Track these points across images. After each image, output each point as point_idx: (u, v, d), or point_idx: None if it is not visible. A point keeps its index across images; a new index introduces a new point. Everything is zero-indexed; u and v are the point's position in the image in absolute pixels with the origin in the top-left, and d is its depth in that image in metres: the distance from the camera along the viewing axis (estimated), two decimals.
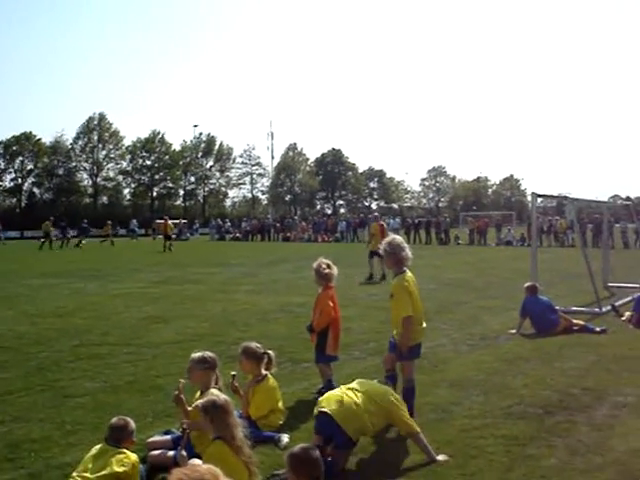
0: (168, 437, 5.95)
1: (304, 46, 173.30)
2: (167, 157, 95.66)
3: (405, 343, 6.64)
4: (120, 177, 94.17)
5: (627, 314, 12.93)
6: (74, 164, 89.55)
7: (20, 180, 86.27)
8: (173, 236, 43.18)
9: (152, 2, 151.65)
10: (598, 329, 11.67)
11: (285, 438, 6.11)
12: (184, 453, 5.12)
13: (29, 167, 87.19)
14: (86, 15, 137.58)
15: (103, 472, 4.72)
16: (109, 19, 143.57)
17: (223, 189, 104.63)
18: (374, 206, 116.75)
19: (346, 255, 32.34)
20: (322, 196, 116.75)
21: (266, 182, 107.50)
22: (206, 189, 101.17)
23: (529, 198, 19.22)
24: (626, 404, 7.30)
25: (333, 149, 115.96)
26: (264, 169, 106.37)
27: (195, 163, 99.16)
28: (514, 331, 11.63)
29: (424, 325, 6.95)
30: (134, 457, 4.92)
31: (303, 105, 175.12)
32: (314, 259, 7.76)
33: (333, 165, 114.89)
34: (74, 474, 4.81)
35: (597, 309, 13.76)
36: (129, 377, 8.68)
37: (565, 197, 19.89)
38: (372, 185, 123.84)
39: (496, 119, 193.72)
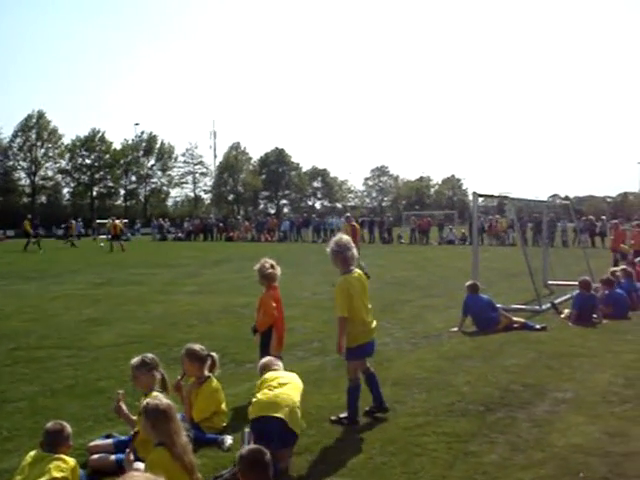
0: (109, 441, 5.86)
1: (246, 45, 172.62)
2: (107, 156, 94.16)
3: (339, 343, 6.69)
4: (59, 176, 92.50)
5: (566, 311, 13.20)
6: (11, 163, 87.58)
7: None
8: (109, 236, 42.52)
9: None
10: (538, 326, 11.88)
11: (229, 440, 6.08)
12: (132, 457, 5.05)
13: None
14: (25, 12, 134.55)
15: (42, 479, 4.60)
16: (48, 16, 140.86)
17: (165, 188, 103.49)
18: (318, 205, 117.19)
19: (290, 255, 32.34)
20: (265, 195, 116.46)
21: (209, 181, 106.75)
22: (147, 188, 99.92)
23: (470, 198, 19.46)
24: (565, 400, 7.44)
25: (276, 148, 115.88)
26: (207, 168, 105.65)
27: (136, 162, 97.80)
28: (456, 329, 11.77)
29: (373, 326, 6.98)
30: (72, 462, 4.81)
31: (246, 104, 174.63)
32: (257, 259, 7.71)
33: (276, 164, 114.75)
34: None
35: (537, 307, 14.01)
36: (69, 381, 8.51)
37: (505, 197, 20.21)
38: (316, 184, 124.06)
39: (438, 119, 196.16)
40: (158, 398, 4.89)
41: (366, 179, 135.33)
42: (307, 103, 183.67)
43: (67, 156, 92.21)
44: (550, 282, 18.39)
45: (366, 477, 5.38)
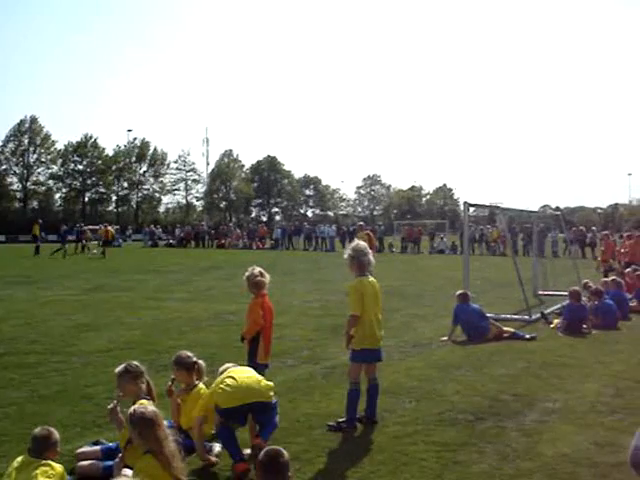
0: (97, 448, 5.84)
1: (239, 52, 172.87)
2: (99, 162, 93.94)
3: (347, 340, 6.91)
4: (51, 182, 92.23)
5: (556, 321, 13.24)
6: (4, 167, 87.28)
7: None
8: (94, 242, 42.46)
9: (85, 4, 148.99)
10: (528, 336, 11.91)
11: (217, 447, 6.06)
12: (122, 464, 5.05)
13: None
14: (17, 16, 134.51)
15: None
16: (41, 20, 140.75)
17: (157, 195, 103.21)
18: (310, 214, 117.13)
19: (281, 262, 32.32)
20: (257, 203, 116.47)
21: (201, 188, 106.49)
22: (139, 195, 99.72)
23: (462, 207, 19.52)
24: (555, 410, 7.45)
25: (269, 156, 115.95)
26: (199, 175, 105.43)
27: (128, 168, 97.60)
28: (446, 338, 11.77)
29: (381, 334, 7.15)
30: (60, 468, 4.79)
31: (239, 111, 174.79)
32: (248, 267, 7.71)
33: (269, 172, 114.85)
34: None
35: (527, 317, 14.03)
36: (58, 386, 8.47)
37: (497, 207, 20.30)
38: (308, 192, 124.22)
39: (430, 129, 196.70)
40: (143, 406, 4.86)
41: (358, 188, 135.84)
42: (300, 111, 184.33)
43: (59, 161, 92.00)
44: (540, 292, 18.44)
45: None
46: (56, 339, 11.76)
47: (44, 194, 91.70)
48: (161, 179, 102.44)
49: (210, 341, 11.49)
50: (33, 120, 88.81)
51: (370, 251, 7.27)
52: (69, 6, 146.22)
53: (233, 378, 5.86)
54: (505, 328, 12.16)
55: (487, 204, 22.47)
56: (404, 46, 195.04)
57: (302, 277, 24.15)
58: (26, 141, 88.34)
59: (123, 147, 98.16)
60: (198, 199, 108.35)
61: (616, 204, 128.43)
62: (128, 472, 4.85)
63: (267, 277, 7.58)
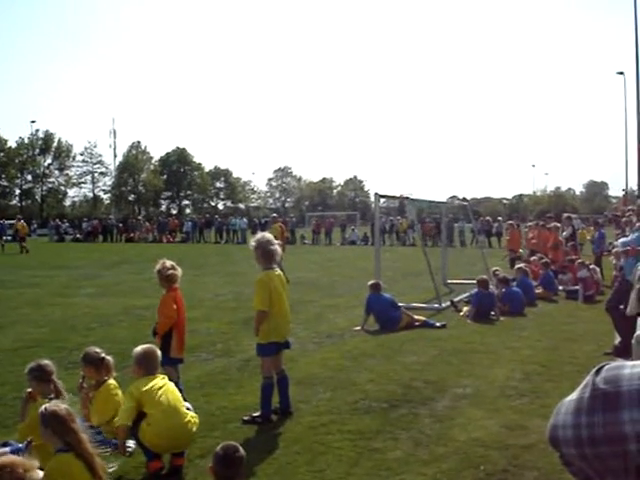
0: (6, 449, 5.61)
1: (145, 40, 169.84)
2: (1, 154, 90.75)
3: (257, 335, 6.88)
4: None
5: (465, 309, 13.53)
6: None
7: None
8: (18, 237, 40.54)
9: None
10: (438, 324, 12.13)
11: (131, 444, 5.92)
12: None
13: None
14: None
15: None
16: None
17: (62, 188, 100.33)
18: (221, 206, 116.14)
19: (192, 256, 31.97)
20: (167, 196, 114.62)
21: (108, 181, 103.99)
22: (44, 188, 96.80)
23: (372, 199, 19.70)
24: (465, 395, 7.62)
25: (178, 148, 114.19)
26: (106, 168, 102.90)
27: (32, 161, 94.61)
28: (359, 328, 11.88)
29: (289, 326, 7.22)
30: None
31: (147, 102, 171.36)
32: (159, 260, 7.56)
33: (178, 164, 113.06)
34: None
35: (437, 305, 14.29)
36: None
37: (406, 198, 20.55)
38: (218, 185, 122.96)
39: (339, 121, 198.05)
40: (55, 403, 4.72)
41: (269, 180, 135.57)
42: (209, 102, 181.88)
43: None
44: (449, 281, 18.81)
45: (271, 477, 5.36)
46: None
47: None
48: (67, 172, 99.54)
49: (120, 337, 11.25)
50: None
51: (276, 242, 7.24)
52: None
53: (166, 414, 5.53)
54: (416, 317, 12.34)
55: (397, 195, 22.67)
56: (313, 37, 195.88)
57: (214, 270, 23.97)
58: None
59: (27, 139, 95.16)
60: (106, 192, 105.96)
61: (521, 195, 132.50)
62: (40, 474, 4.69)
63: (179, 270, 7.47)
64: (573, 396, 1.39)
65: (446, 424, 6.57)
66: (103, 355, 6.49)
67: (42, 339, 11.23)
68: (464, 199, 51.52)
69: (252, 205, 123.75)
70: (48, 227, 63.96)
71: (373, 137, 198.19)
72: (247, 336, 10.93)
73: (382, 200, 17.66)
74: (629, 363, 1.36)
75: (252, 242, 7.12)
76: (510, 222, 27.61)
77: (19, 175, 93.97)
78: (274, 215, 27.73)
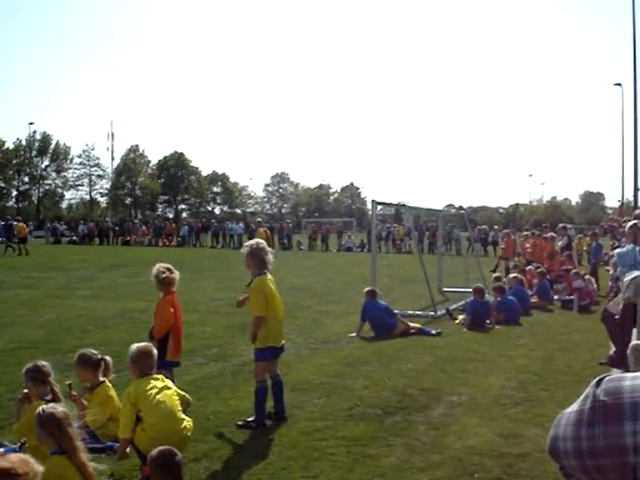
0: (0, 450, 5.61)
1: (145, 45, 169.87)
2: None
3: (253, 341, 6.93)
4: None
5: (460, 317, 13.55)
6: None
7: None
8: (17, 239, 40.30)
9: None
10: (434, 332, 12.14)
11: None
12: None
13: None
14: None
15: None
16: None
17: (59, 190, 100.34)
18: (217, 211, 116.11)
19: (188, 260, 31.92)
20: (164, 200, 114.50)
21: (106, 184, 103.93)
22: (41, 190, 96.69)
23: (369, 206, 19.74)
24: (461, 403, 7.63)
25: (176, 152, 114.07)
26: (104, 170, 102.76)
27: (29, 162, 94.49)
28: (354, 334, 11.88)
29: (283, 331, 7.29)
30: None
31: (145, 106, 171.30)
32: (155, 264, 7.56)
33: (176, 168, 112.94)
34: None
35: (432, 313, 14.31)
36: None
37: (403, 205, 20.60)
38: (215, 189, 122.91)
39: (338, 128, 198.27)
40: (52, 406, 4.71)
41: (266, 185, 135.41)
42: (207, 107, 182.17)
43: None
44: (445, 289, 18.83)
45: None
46: None
47: None
48: (64, 174, 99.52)
49: (116, 339, 11.21)
50: None
51: (269, 249, 7.30)
52: None
53: (162, 419, 5.49)
54: (412, 324, 12.36)
55: (394, 203, 22.71)
56: (311, 42, 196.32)
57: (210, 275, 23.96)
58: None
59: (24, 141, 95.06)
60: (102, 195, 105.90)
61: (517, 204, 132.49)
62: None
63: (176, 274, 7.48)
64: (573, 407, 1.39)
65: (441, 432, 6.58)
66: (101, 356, 6.49)
67: (37, 340, 11.20)
68: (460, 207, 51.66)
69: (249, 210, 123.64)
70: (44, 229, 63.89)
71: (370, 144, 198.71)
72: (242, 341, 10.92)
73: (379, 207, 17.69)
74: (629, 375, 1.37)
75: (244, 248, 7.21)
76: (506, 231, 27.69)
77: (16, 177, 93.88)
78: (259, 220, 27.80)
